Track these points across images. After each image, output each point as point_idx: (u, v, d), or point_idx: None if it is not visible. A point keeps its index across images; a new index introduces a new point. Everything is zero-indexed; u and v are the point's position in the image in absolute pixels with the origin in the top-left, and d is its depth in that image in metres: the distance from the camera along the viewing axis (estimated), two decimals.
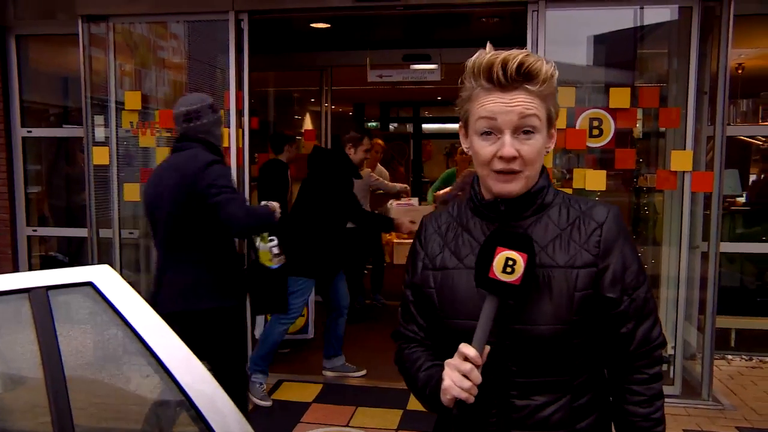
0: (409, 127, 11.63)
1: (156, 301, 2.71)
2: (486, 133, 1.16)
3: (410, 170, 10.68)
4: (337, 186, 4.17)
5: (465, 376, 1.09)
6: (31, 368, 1.06)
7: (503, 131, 1.14)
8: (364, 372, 4.47)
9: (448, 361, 1.13)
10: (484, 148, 1.17)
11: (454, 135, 11.15)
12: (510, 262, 1.09)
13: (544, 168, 1.25)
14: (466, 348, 1.10)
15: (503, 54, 1.15)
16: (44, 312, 1.09)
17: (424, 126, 11.58)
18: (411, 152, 10.72)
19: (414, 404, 3.91)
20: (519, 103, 1.14)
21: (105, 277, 1.19)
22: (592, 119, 3.85)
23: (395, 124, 12.07)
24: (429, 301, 1.27)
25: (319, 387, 4.24)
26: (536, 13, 3.90)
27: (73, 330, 1.17)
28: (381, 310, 6.34)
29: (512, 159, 1.14)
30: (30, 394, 1.11)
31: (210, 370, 2.95)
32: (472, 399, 1.10)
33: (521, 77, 1.13)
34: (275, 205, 2.96)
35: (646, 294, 1.23)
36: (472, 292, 1.17)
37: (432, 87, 7.89)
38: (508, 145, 1.13)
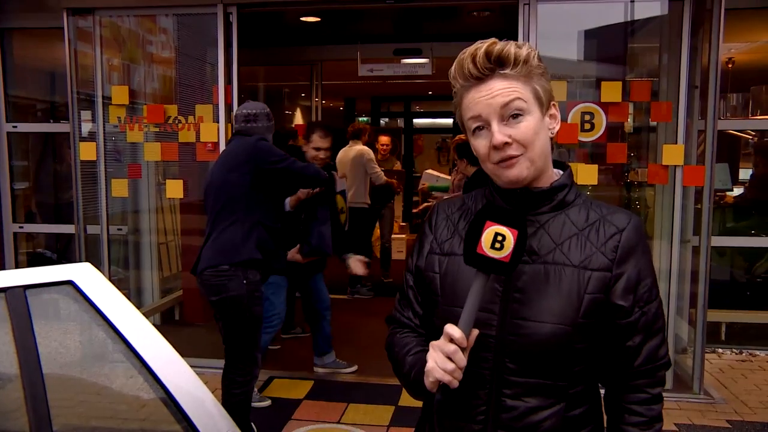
0: (400, 122, 11.60)
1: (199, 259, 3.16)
2: (478, 129, 1.15)
3: (402, 165, 10.64)
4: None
5: (449, 358, 1.06)
6: (8, 369, 1.02)
7: (490, 122, 1.13)
8: (355, 368, 4.45)
9: (432, 342, 1.10)
10: (480, 144, 1.16)
11: (445, 130, 11.22)
12: (499, 238, 1.05)
13: (568, 168, 1.23)
14: (451, 328, 1.06)
15: (470, 48, 1.14)
16: (22, 312, 1.06)
17: (416, 121, 11.55)
18: (402, 147, 10.69)
19: (406, 400, 3.89)
20: (497, 90, 1.12)
21: (86, 275, 1.15)
22: (583, 113, 3.84)
23: (386, 119, 12.03)
24: (431, 286, 1.24)
25: (310, 384, 4.21)
26: (528, 6, 3.87)
27: (53, 330, 1.13)
28: (368, 303, 6.34)
29: (505, 145, 1.12)
30: (6, 396, 1.08)
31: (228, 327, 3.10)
32: (455, 383, 1.07)
33: (493, 64, 1.12)
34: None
35: (658, 310, 1.19)
36: None
37: (423, 81, 7.88)
38: (497, 132, 1.12)
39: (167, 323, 5.31)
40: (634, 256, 1.16)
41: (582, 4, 4.05)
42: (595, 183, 3.87)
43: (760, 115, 6.13)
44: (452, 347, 1.06)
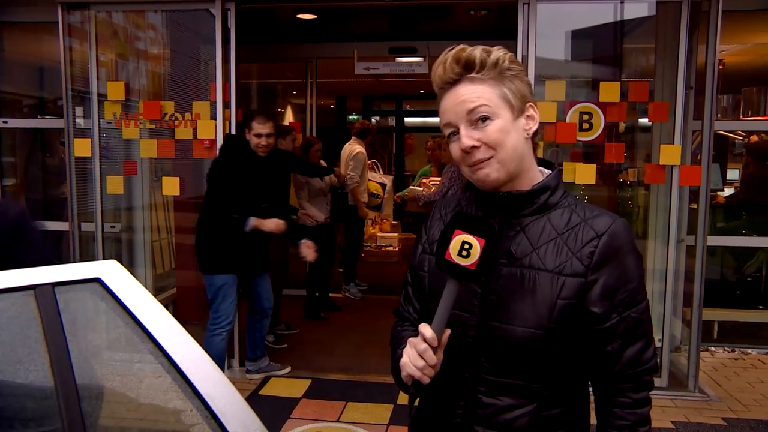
0: (392, 121, 11.59)
1: None
2: (452, 134, 1.19)
3: (392, 163, 10.65)
4: (216, 176, 3.81)
5: (421, 356, 1.10)
6: (40, 371, 1.00)
7: (458, 127, 1.16)
8: (288, 369, 4.35)
9: (410, 338, 1.15)
10: (454, 149, 1.19)
11: (436, 128, 11.26)
12: (466, 246, 1.08)
13: (556, 168, 1.25)
14: (423, 328, 1.11)
15: (442, 55, 1.18)
16: (51, 310, 1.04)
17: (407, 119, 11.55)
18: (394, 146, 10.68)
19: (405, 398, 3.87)
20: (463, 96, 1.15)
21: (113, 273, 1.14)
22: (582, 113, 3.86)
23: (377, 118, 12.02)
24: (421, 283, 1.29)
25: (308, 382, 4.20)
26: (527, 6, 3.88)
27: (82, 329, 1.11)
28: (363, 302, 6.34)
29: (473, 149, 1.15)
30: (36, 398, 1.06)
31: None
32: (426, 380, 1.11)
33: (461, 69, 1.15)
34: None
35: (641, 315, 1.17)
36: None
37: (415, 80, 7.86)
38: (464, 137, 1.15)
39: None
40: (612, 261, 1.15)
41: (582, 4, 4.07)
42: (593, 182, 3.89)
43: (751, 116, 6.21)
44: (423, 346, 1.10)
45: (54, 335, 1.01)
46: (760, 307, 5.34)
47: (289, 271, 5.28)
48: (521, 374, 1.16)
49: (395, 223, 9.21)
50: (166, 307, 5.05)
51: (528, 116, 1.19)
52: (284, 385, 4.15)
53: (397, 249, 8.47)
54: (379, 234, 8.72)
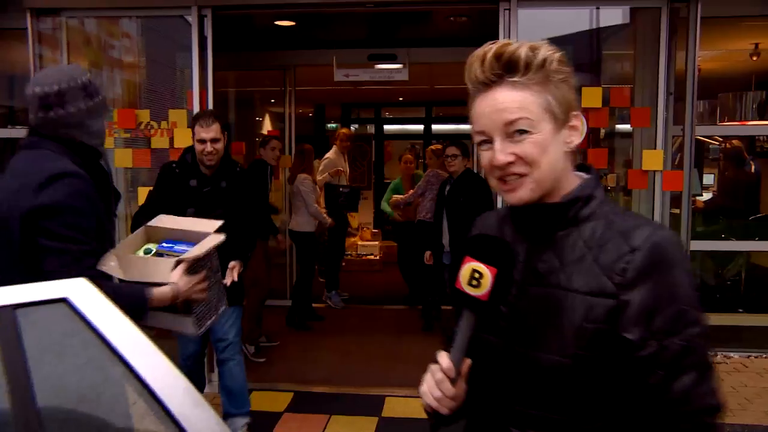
0: (371, 128, 11.54)
1: None
2: (483, 143, 1.06)
3: (372, 171, 10.58)
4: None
5: (438, 386, 1.03)
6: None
7: (493, 137, 1.03)
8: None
9: (430, 364, 1.06)
10: (483, 158, 1.06)
11: (415, 136, 11.20)
12: (476, 275, 0.98)
13: (593, 176, 1.10)
14: (440, 357, 1.03)
15: (480, 49, 1.03)
16: (11, 334, 0.95)
17: (386, 127, 11.51)
18: (373, 153, 10.63)
19: (390, 411, 3.81)
20: (502, 104, 1.01)
21: (81, 291, 1.05)
22: None
23: (356, 125, 11.97)
24: None
25: (291, 395, 4.10)
26: (508, 11, 3.86)
27: (47, 353, 1.03)
28: (341, 312, 6.25)
29: (507, 164, 1.02)
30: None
31: None
32: (444, 410, 1.03)
33: (502, 70, 1.01)
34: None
35: (691, 342, 0.98)
36: None
37: (394, 87, 7.84)
38: (498, 152, 1.02)
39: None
40: (649, 280, 0.98)
41: (562, 10, 4.07)
42: None
43: (728, 122, 6.29)
44: (440, 376, 1.03)
45: (13, 361, 0.92)
46: (741, 310, 5.37)
47: (269, 281, 5.17)
48: (554, 407, 1.04)
49: (376, 231, 9.15)
50: None
51: (572, 126, 1.05)
52: (266, 399, 4.04)
53: (378, 257, 8.40)
54: (360, 242, 8.65)
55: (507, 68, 1.00)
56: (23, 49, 4.23)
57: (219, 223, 2.09)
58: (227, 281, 2.93)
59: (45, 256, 1.70)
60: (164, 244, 2.04)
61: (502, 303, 1.00)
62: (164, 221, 2.10)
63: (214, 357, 3.69)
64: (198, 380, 3.51)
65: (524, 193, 1.03)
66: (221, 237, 2.03)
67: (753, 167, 6.03)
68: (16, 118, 5.23)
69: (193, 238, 2.02)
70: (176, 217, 2.21)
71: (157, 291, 1.81)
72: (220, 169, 3.24)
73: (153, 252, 2.02)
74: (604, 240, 1.03)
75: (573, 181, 1.08)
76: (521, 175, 1.03)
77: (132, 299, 1.76)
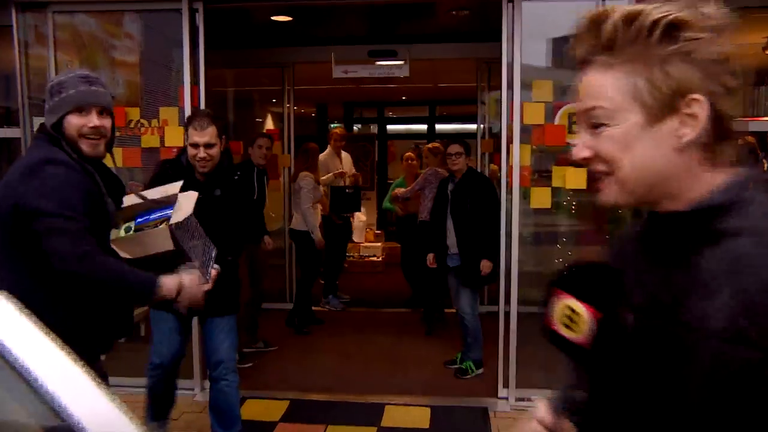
0: (374, 128, 11.39)
1: None
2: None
3: (375, 171, 10.44)
4: None
5: None
6: None
7: (580, 128, 0.88)
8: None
9: (530, 414, 0.96)
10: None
11: (419, 135, 11.03)
12: (569, 312, 0.80)
13: (743, 175, 0.82)
14: (537, 409, 0.92)
15: (596, 11, 0.83)
16: None
17: (389, 127, 11.36)
18: (376, 153, 10.48)
19: (389, 420, 3.65)
20: (585, 87, 0.85)
21: None
22: (571, 114, 3.68)
23: (359, 125, 11.82)
24: None
25: (286, 404, 3.94)
26: (512, 4, 3.71)
27: None
28: (340, 315, 6.10)
29: (584, 160, 0.86)
30: None
31: None
32: None
33: (592, 46, 0.83)
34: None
35: None
36: None
37: (396, 86, 7.67)
38: (577, 144, 0.87)
39: (132, 340, 4.96)
40: None
41: (568, 3, 3.89)
42: (585, 188, 3.71)
43: (740, 117, 6.10)
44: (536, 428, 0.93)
45: None
46: None
47: (258, 285, 4.99)
48: None
49: (379, 232, 8.99)
50: (138, 325, 4.75)
51: (689, 115, 0.80)
52: (261, 408, 3.88)
53: (380, 259, 8.25)
54: (363, 244, 8.50)
55: (600, 43, 0.82)
56: (8, 46, 4.10)
57: (179, 183, 2.24)
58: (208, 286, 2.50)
59: (44, 238, 1.82)
60: (138, 219, 2.11)
61: (609, 351, 0.78)
62: (130, 199, 2.18)
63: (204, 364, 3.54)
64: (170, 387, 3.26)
65: (608, 195, 0.86)
66: (195, 194, 2.18)
67: (766, 165, 5.84)
68: (12, 118, 5.10)
69: (164, 203, 2.14)
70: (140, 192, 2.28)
71: (167, 279, 1.97)
72: (215, 176, 2.95)
73: (132, 229, 2.09)
74: (751, 265, 0.73)
75: (710, 181, 0.82)
76: (602, 174, 0.86)
77: (143, 285, 1.94)
